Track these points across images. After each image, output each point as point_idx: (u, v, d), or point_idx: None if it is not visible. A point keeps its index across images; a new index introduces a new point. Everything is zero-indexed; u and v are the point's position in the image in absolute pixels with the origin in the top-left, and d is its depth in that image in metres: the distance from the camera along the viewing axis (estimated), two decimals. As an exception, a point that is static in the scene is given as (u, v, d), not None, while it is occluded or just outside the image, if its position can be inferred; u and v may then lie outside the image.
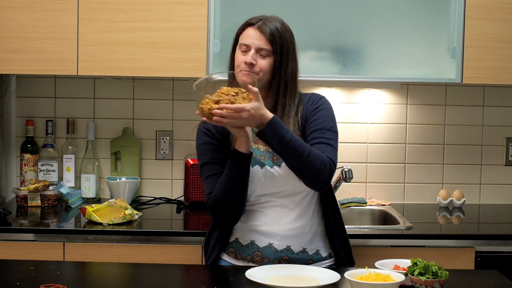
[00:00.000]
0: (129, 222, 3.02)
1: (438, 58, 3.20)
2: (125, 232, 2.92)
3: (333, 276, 2.21)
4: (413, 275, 2.12)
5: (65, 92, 3.54)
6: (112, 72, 3.16)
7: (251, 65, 2.42)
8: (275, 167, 2.43)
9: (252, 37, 2.44)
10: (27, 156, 3.44)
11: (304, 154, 2.30)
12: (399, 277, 2.12)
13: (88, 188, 3.44)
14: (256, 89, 2.27)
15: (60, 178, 3.49)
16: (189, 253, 2.89)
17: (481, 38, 3.19)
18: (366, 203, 3.46)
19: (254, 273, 2.22)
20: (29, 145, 3.46)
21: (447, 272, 2.13)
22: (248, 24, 2.48)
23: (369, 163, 3.59)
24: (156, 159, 3.57)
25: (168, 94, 3.54)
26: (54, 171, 3.47)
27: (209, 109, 2.22)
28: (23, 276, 2.31)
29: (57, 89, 3.54)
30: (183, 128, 3.54)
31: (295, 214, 2.46)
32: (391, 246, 2.94)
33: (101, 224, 2.96)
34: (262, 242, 2.46)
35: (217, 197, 2.40)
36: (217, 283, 2.29)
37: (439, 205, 3.49)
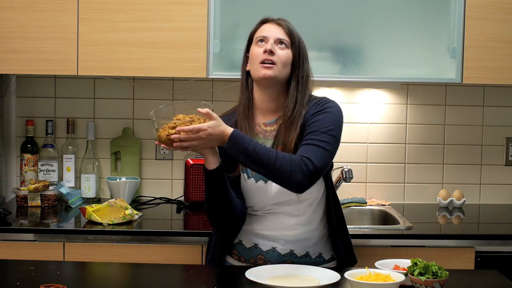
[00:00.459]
0: (129, 222, 3.02)
1: (438, 58, 3.20)
2: (125, 232, 2.92)
3: (333, 276, 2.21)
4: (413, 275, 2.12)
5: (65, 92, 3.54)
6: (112, 72, 3.16)
7: (271, 52, 2.36)
8: None
9: (270, 30, 2.41)
10: (27, 156, 3.44)
11: (271, 161, 2.23)
12: (399, 277, 2.12)
13: (88, 188, 3.44)
14: (206, 109, 2.18)
15: (60, 178, 3.49)
16: (189, 253, 2.89)
17: (481, 38, 3.19)
18: (366, 203, 3.46)
19: (254, 273, 2.22)
20: (29, 145, 3.46)
21: (447, 272, 2.13)
22: (263, 22, 2.45)
23: (369, 163, 3.59)
24: (156, 159, 3.57)
25: (168, 94, 3.54)
26: (54, 171, 3.47)
27: (167, 135, 2.15)
28: (23, 276, 2.31)
29: (57, 89, 3.54)
30: (183, 128, 3.53)
31: (300, 220, 2.44)
32: (391, 246, 2.94)
33: (101, 224, 2.96)
34: (265, 245, 2.45)
35: (208, 214, 2.40)
36: (217, 283, 2.29)
37: (439, 205, 3.49)
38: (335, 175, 3.21)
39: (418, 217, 3.29)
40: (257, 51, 2.40)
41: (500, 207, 3.56)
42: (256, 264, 2.45)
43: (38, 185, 3.27)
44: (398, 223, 3.14)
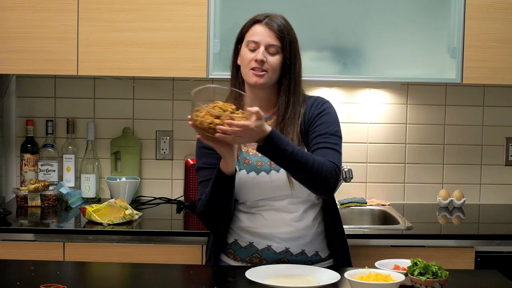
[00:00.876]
0: (129, 222, 3.02)
1: (438, 58, 3.20)
2: (125, 232, 2.92)
3: (333, 276, 2.21)
4: (413, 275, 2.12)
5: (65, 92, 3.54)
6: (112, 72, 3.16)
7: (261, 62, 2.37)
8: (272, 171, 2.41)
9: (261, 34, 2.40)
10: (27, 156, 3.44)
11: (308, 164, 2.25)
12: (399, 277, 2.12)
13: (88, 188, 3.44)
14: (256, 109, 2.16)
15: (60, 178, 3.49)
16: (189, 253, 2.89)
17: (481, 38, 3.19)
18: (366, 203, 3.46)
19: (254, 273, 2.22)
20: (29, 145, 3.46)
21: (447, 272, 2.13)
22: (254, 21, 2.44)
23: (369, 163, 3.59)
24: (156, 159, 3.57)
25: (168, 94, 3.54)
26: (54, 171, 3.47)
27: (209, 123, 2.13)
28: (23, 276, 2.31)
29: (57, 89, 3.54)
30: (183, 128, 3.54)
31: (294, 217, 2.44)
32: (391, 246, 2.94)
33: (101, 224, 2.96)
34: (260, 244, 2.45)
35: (201, 209, 2.41)
36: (217, 283, 2.29)
37: (439, 205, 3.49)
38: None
39: (418, 217, 3.29)
40: (248, 56, 2.41)
41: (500, 207, 3.56)
42: (252, 262, 2.45)
43: (38, 185, 3.27)
44: (398, 223, 3.14)
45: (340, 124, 2.51)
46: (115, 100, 3.55)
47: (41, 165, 3.46)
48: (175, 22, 3.12)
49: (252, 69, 2.39)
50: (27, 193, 3.28)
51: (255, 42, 2.40)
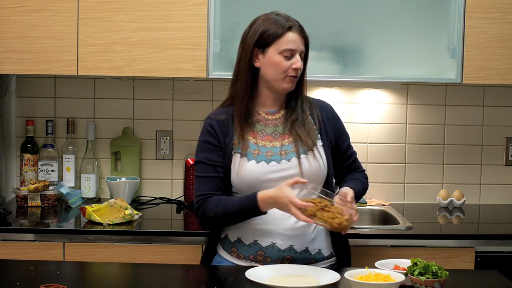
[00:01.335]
0: (129, 222, 3.02)
1: (438, 58, 3.20)
2: (125, 232, 2.92)
3: (333, 276, 2.21)
4: (413, 275, 2.12)
5: (65, 92, 3.54)
6: (112, 72, 3.16)
7: (299, 70, 2.48)
8: (283, 161, 2.45)
9: (296, 42, 2.46)
10: (27, 156, 3.44)
11: (365, 192, 2.66)
12: (399, 277, 2.12)
13: (88, 188, 3.44)
14: (350, 196, 2.43)
15: (60, 178, 3.49)
16: (189, 253, 2.89)
17: (481, 38, 3.18)
18: (366, 203, 3.46)
19: (254, 273, 2.22)
20: (29, 145, 3.46)
21: (447, 272, 2.13)
22: (287, 28, 2.47)
23: (369, 163, 3.59)
24: (156, 159, 3.57)
25: (168, 94, 3.54)
26: (54, 171, 3.47)
27: (334, 219, 2.25)
28: (23, 276, 2.31)
29: (57, 89, 3.54)
30: (183, 128, 3.54)
31: None
32: (391, 246, 2.94)
33: (101, 224, 2.96)
34: (265, 241, 2.45)
35: (210, 216, 2.44)
36: (217, 283, 2.29)
37: (439, 205, 3.49)
38: (335, 175, 3.21)
39: (418, 217, 3.29)
40: (284, 64, 2.45)
41: (500, 207, 3.56)
42: (256, 260, 2.46)
43: (38, 185, 3.27)
44: (398, 223, 3.14)
45: None
46: (115, 100, 3.55)
47: (41, 165, 3.46)
48: (175, 22, 3.12)
49: (289, 76, 2.47)
50: (27, 193, 3.28)
51: (292, 50, 2.45)
